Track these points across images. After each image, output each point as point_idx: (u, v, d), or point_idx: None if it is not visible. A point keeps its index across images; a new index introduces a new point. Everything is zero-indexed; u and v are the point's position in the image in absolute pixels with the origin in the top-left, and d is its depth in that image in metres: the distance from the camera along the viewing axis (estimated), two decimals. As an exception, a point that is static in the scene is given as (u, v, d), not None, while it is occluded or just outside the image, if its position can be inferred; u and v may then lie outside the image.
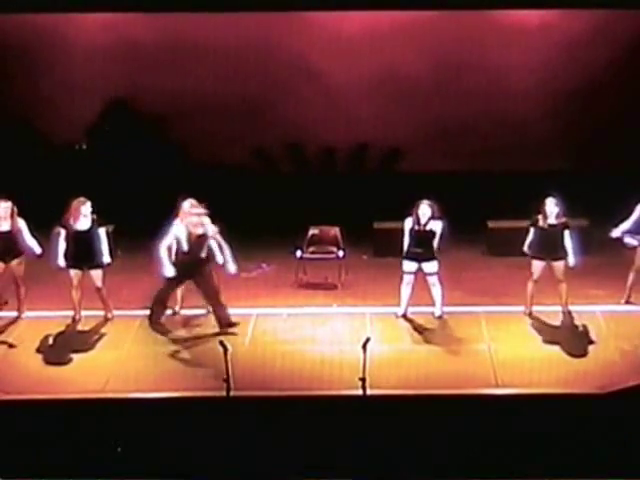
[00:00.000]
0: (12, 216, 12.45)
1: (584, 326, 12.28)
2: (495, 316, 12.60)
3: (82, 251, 12.35)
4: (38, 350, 11.91)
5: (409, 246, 12.37)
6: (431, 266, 12.37)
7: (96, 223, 12.39)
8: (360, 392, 10.24)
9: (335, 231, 14.04)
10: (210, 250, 12.24)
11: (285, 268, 13.98)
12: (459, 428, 9.84)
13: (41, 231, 12.80)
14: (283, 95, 16.42)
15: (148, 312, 12.36)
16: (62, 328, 12.41)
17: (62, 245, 12.41)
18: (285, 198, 15.77)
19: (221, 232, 12.21)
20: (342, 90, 16.57)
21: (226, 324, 12.25)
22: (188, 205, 12.13)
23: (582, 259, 12.49)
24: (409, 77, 16.42)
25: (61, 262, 12.42)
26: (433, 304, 12.55)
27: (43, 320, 12.62)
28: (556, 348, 11.80)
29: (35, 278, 12.94)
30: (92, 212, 12.38)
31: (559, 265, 12.37)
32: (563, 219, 12.40)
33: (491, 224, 14.77)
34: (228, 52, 16.14)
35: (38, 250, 12.55)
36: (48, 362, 11.69)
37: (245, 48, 16.08)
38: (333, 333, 12.30)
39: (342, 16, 16.02)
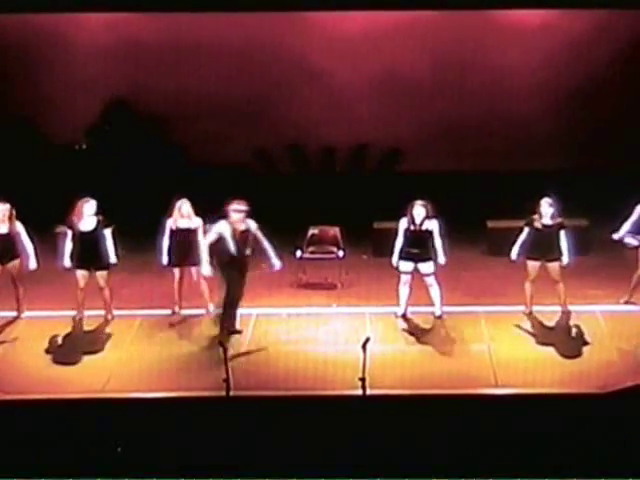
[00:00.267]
0: (10, 219, 12.43)
1: (584, 326, 12.27)
2: (495, 316, 12.59)
3: (88, 252, 12.34)
4: (43, 350, 11.92)
5: (405, 246, 12.37)
6: (427, 267, 12.37)
7: (102, 223, 12.39)
8: (360, 392, 10.24)
9: (335, 231, 14.05)
10: (253, 247, 12.16)
11: (285, 268, 13.96)
12: (459, 428, 9.83)
13: (41, 231, 12.82)
14: (283, 95, 16.44)
15: (219, 320, 12.19)
16: (63, 328, 12.41)
17: (68, 245, 12.41)
18: (285, 198, 15.78)
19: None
20: (342, 90, 16.60)
21: (230, 331, 12.19)
22: (232, 203, 12.04)
23: (581, 259, 12.50)
24: (409, 77, 16.44)
25: (67, 262, 12.43)
26: (433, 304, 12.56)
27: (43, 320, 12.63)
28: (556, 348, 11.80)
29: (35, 278, 12.94)
30: (97, 212, 12.39)
31: (554, 266, 12.34)
32: (559, 219, 12.36)
33: (491, 224, 14.77)
34: (228, 52, 16.18)
35: (33, 265, 12.47)
36: (54, 362, 11.70)
37: (246, 48, 16.12)
38: (333, 333, 12.30)
39: (343, 16, 16.05)
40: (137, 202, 14.82)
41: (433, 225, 12.30)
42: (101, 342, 12.15)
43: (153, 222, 12.66)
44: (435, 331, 12.35)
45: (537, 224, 12.37)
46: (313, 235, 13.94)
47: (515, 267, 12.71)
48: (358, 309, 12.92)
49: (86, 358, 11.80)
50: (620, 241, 12.73)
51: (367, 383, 10.22)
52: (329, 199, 15.44)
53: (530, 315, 12.60)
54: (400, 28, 16.20)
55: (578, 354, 11.68)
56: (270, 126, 16.49)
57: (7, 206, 12.43)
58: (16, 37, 16.13)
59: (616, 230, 12.73)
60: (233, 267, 12.03)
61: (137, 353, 11.95)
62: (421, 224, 12.29)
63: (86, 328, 12.52)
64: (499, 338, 12.09)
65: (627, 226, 12.68)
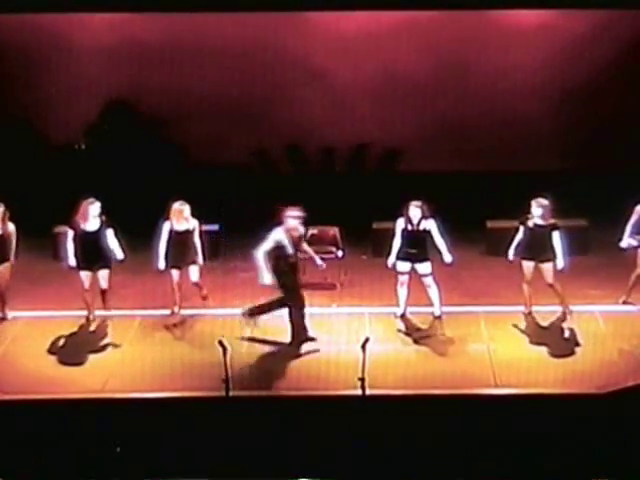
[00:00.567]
0: (3, 220, 12.39)
1: (583, 326, 12.27)
2: (494, 316, 12.60)
3: (91, 252, 12.34)
4: (43, 350, 11.92)
5: (403, 246, 12.37)
6: (424, 267, 12.37)
7: (105, 224, 12.39)
8: (359, 392, 10.25)
9: (334, 231, 14.06)
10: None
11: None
12: (458, 428, 9.85)
13: (41, 231, 12.82)
14: (283, 95, 16.42)
15: (295, 339, 12.06)
16: (63, 328, 12.41)
17: (71, 246, 12.41)
18: (285, 198, 15.74)
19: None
20: (342, 90, 16.58)
21: (304, 339, 12.01)
22: (287, 210, 12.11)
23: (581, 259, 12.49)
24: (410, 77, 16.43)
25: (72, 262, 12.42)
26: (432, 304, 12.56)
27: (43, 320, 12.64)
28: (555, 348, 11.80)
29: (35, 278, 12.95)
30: (101, 213, 12.39)
31: (547, 267, 12.31)
32: (551, 220, 12.31)
33: (490, 224, 14.75)
34: (228, 53, 16.17)
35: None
36: (59, 362, 11.71)
37: (246, 49, 16.09)
38: (333, 333, 12.31)
39: (343, 17, 16.02)
40: (137, 202, 14.81)
41: (430, 225, 12.30)
42: (101, 342, 12.16)
43: (153, 222, 12.65)
44: (434, 331, 12.35)
45: (530, 223, 12.37)
46: (313, 235, 13.91)
47: (514, 267, 12.71)
48: (357, 309, 12.93)
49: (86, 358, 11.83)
50: (619, 240, 12.69)
51: (367, 383, 10.24)
52: (329, 199, 15.42)
53: (529, 315, 12.60)
54: (400, 28, 16.18)
55: (578, 354, 11.68)
56: (270, 126, 16.47)
57: (1, 208, 12.38)
58: (16, 37, 16.11)
59: (619, 236, 12.66)
60: (291, 273, 12.03)
61: (137, 353, 11.96)
62: (418, 224, 12.30)
63: (85, 328, 12.55)
64: (498, 338, 12.09)
65: (629, 229, 12.64)
